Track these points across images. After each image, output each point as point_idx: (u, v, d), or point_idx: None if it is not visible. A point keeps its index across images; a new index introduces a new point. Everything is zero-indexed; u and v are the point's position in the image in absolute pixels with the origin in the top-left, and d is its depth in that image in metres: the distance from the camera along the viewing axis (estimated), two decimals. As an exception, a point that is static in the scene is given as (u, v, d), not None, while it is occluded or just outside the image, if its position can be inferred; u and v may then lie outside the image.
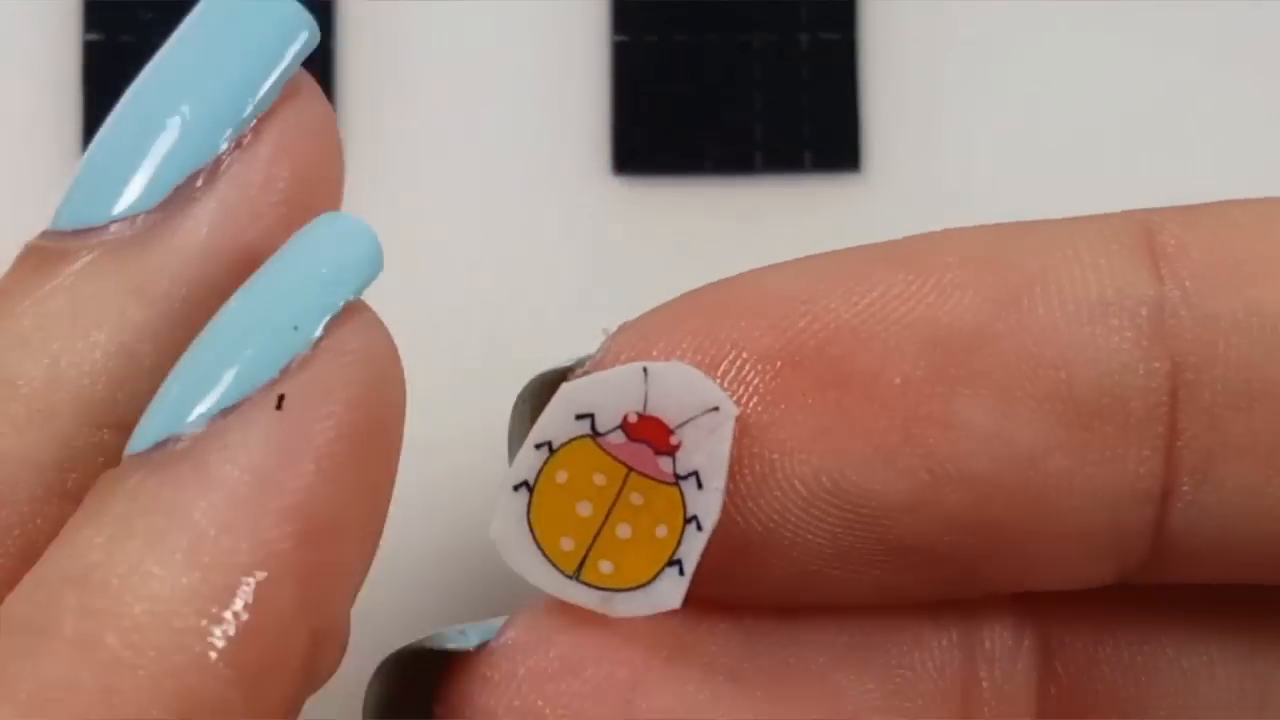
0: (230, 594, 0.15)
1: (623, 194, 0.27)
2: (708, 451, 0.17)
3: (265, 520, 0.16)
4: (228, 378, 0.16)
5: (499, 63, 0.27)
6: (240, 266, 0.17)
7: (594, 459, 0.18)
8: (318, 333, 0.16)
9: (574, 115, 0.27)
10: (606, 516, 0.18)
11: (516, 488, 0.18)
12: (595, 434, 0.18)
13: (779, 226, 0.27)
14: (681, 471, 0.18)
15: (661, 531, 0.18)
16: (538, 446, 0.18)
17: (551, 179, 0.27)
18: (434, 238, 0.26)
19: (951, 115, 0.27)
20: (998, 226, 0.19)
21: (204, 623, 0.15)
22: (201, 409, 0.16)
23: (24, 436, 0.17)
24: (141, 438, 0.16)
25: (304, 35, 0.18)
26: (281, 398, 0.16)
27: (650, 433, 0.18)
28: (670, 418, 0.18)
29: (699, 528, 0.18)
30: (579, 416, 0.18)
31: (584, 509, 0.18)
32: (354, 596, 0.17)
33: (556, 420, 0.18)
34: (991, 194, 0.27)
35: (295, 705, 0.17)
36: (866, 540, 0.18)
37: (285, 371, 0.16)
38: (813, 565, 0.18)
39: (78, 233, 0.17)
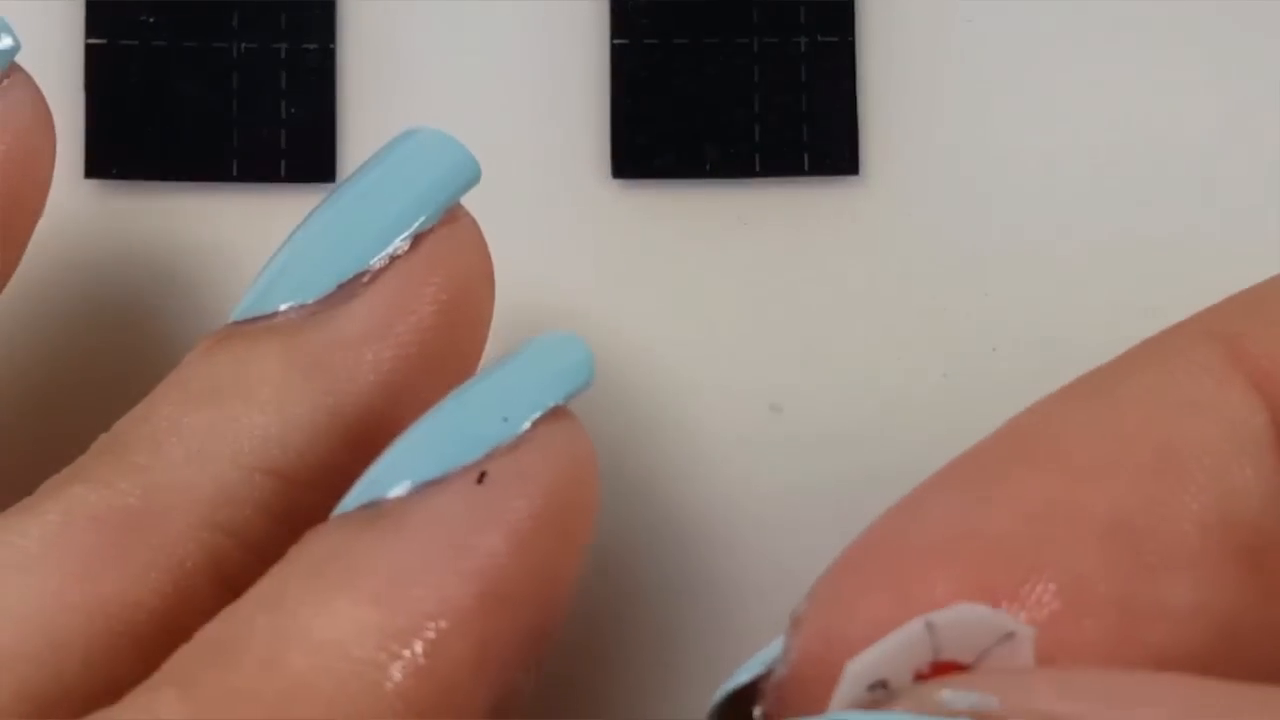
0: (411, 635, 0.17)
1: (622, 197, 0.27)
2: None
3: (452, 577, 0.17)
4: (436, 454, 0.18)
5: (498, 65, 0.27)
6: (394, 356, 0.20)
7: None
8: (525, 426, 0.18)
9: (573, 118, 0.27)
10: None
11: None
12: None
13: (778, 230, 0.27)
14: None
15: None
16: None
17: (550, 182, 0.27)
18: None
19: (950, 119, 0.27)
20: (1091, 390, 0.18)
21: (383, 656, 0.17)
22: (408, 479, 0.18)
23: (180, 473, 0.19)
24: (349, 500, 0.18)
25: (470, 176, 0.21)
26: (483, 474, 0.18)
27: (948, 675, 0.17)
28: (965, 657, 0.17)
29: None
30: (871, 687, 0.17)
31: None
32: (531, 673, 0.18)
33: (849, 697, 0.17)
34: (989, 198, 0.27)
35: None
36: None
37: (490, 455, 0.18)
38: None
39: (251, 320, 0.20)
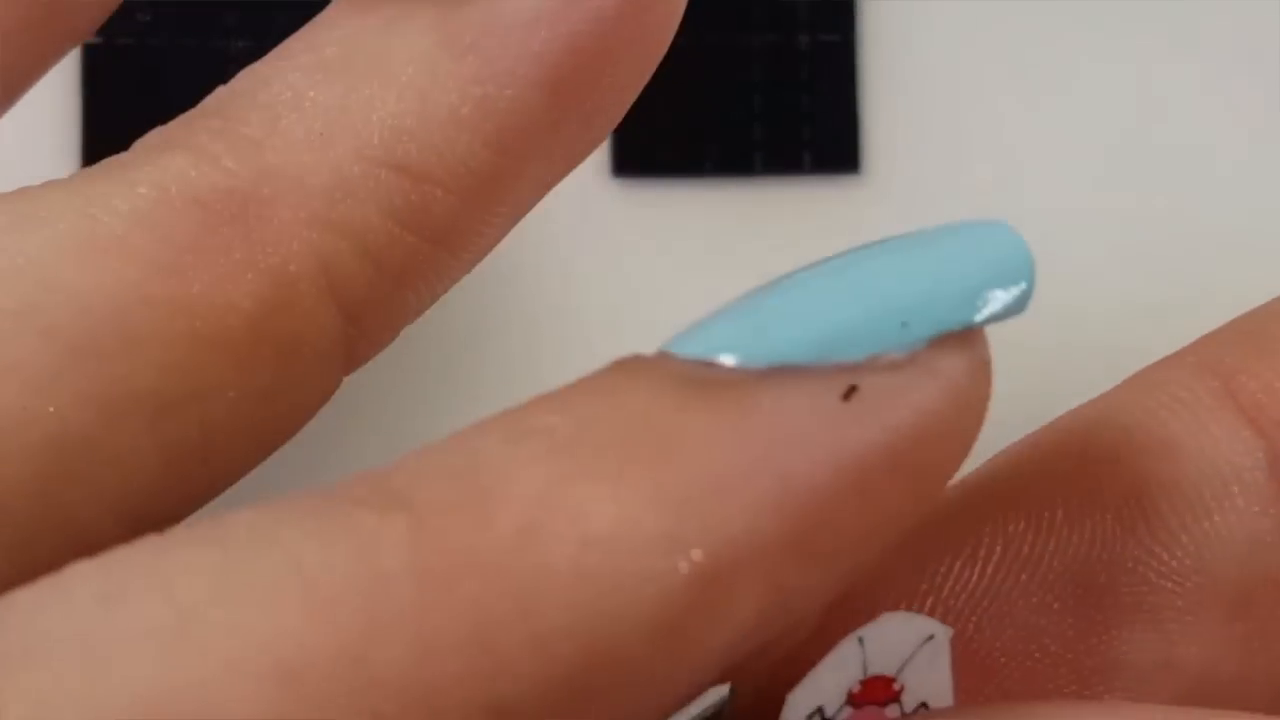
0: (702, 578, 0.13)
1: (622, 196, 0.27)
2: (931, 683, 0.17)
3: (765, 507, 0.14)
4: (801, 329, 0.14)
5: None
6: (563, 51, 0.17)
7: None
8: (924, 341, 0.14)
9: (573, 117, 0.27)
10: None
11: None
12: None
13: (778, 228, 0.27)
14: (908, 708, 0.17)
15: None
16: None
17: (551, 181, 0.27)
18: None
19: (951, 117, 0.27)
20: (1075, 429, 0.17)
21: (660, 566, 0.13)
22: (762, 352, 0.14)
23: (296, 157, 0.16)
24: (686, 342, 0.15)
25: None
26: (853, 389, 0.14)
27: (874, 692, 0.17)
28: (890, 667, 0.16)
29: None
30: (809, 716, 0.16)
31: None
32: (806, 617, 0.16)
33: None
34: (990, 196, 0.27)
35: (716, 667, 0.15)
36: None
37: (869, 363, 0.14)
38: None
39: None
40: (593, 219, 0.27)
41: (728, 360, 0.14)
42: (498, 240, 0.18)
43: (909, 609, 0.17)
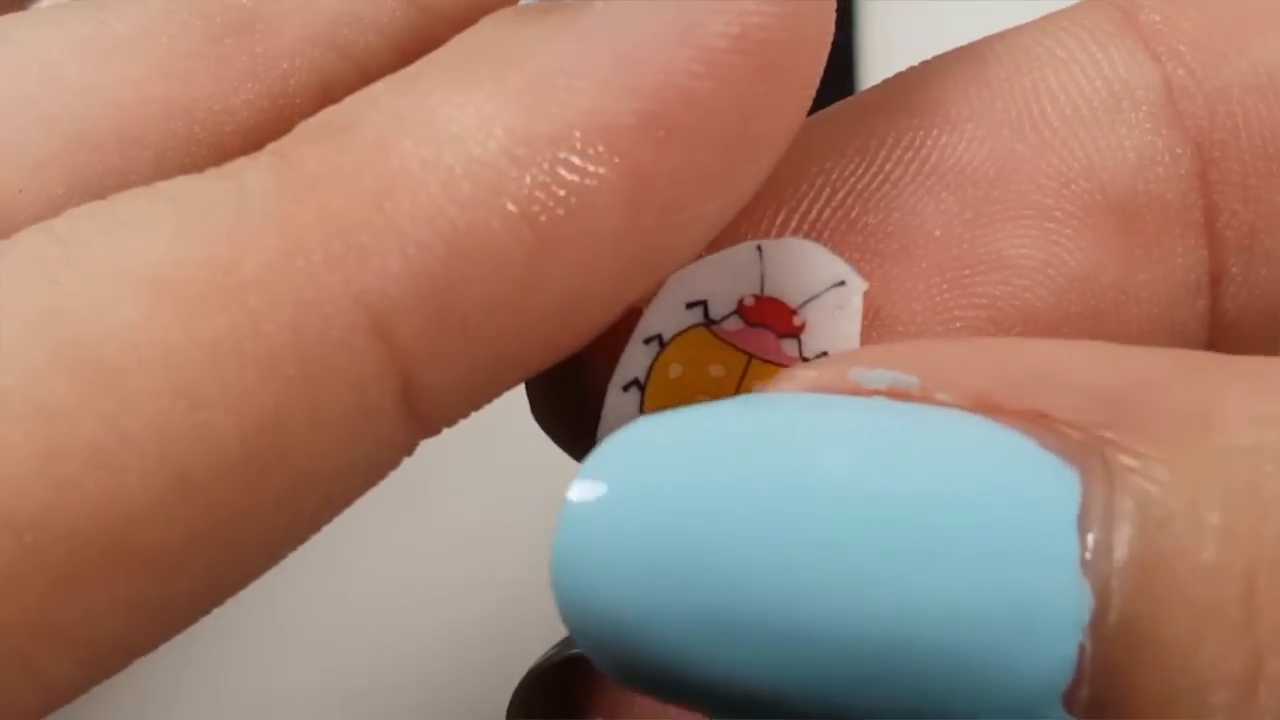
0: (547, 145, 0.14)
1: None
2: (836, 330, 0.16)
3: (612, 88, 0.14)
4: None
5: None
6: None
7: (710, 349, 0.16)
8: None
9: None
10: None
11: (626, 388, 0.16)
12: (709, 322, 0.16)
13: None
14: (808, 354, 0.16)
15: None
16: (646, 341, 0.16)
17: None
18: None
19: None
20: (977, 48, 0.18)
21: (506, 162, 0.14)
22: None
23: None
24: None
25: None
26: None
27: (770, 315, 0.16)
28: (791, 297, 0.16)
29: None
30: (690, 305, 0.16)
31: None
32: (695, 243, 0.15)
33: (665, 311, 0.16)
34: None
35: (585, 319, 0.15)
36: None
37: None
38: None
39: None
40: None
41: None
42: None
43: (797, 194, 0.17)
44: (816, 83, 0.15)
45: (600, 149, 0.14)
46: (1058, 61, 0.17)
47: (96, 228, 0.14)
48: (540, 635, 0.26)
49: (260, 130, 0.16)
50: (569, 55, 0.14)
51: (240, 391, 0.13)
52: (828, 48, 0.15)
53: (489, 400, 0.15)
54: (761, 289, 0.16)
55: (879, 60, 0.27)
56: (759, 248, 0.16)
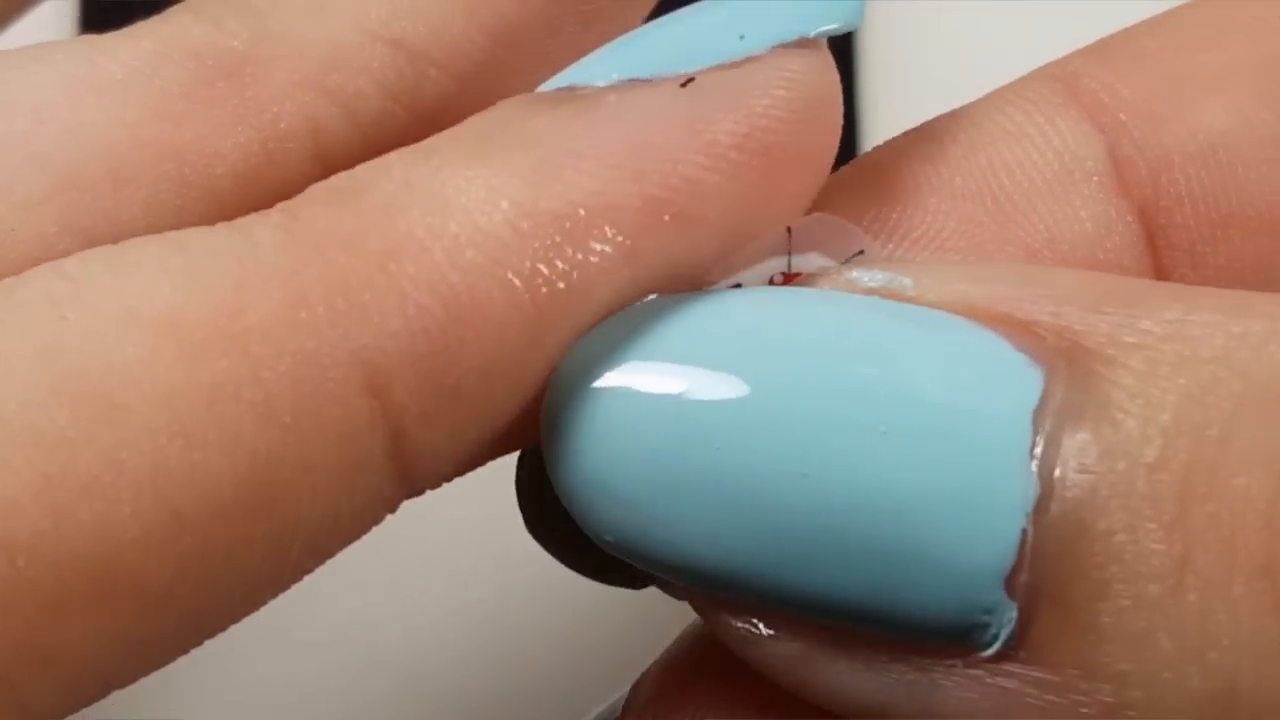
0: (553, 223, 0.15)
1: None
2: None
3: (621, 171, 0.15)
4: (656, 55, 0.16)
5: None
6: None
7: None
8: (762, 49, 0.16)
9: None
10: None
11: None
12: None
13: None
14: None
15: None
16: None
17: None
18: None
19: (950, 116, 0.27)
20: (930, 128, 0.18)
21: (510, 235, 0.15)
22: (614, 73, 0.16)
23: (295, 25, 0.17)
24: (550, 83, 0.16)
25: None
26: (691, 79, 0.15)
27: None
28: (816, 269, 0.16)
29: None
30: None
31: None
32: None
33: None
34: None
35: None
36: None
37: (712, 68, 0.15)
38: None
39: None
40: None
41: (579, 84, 0.16)
42: None
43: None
44: (823, 179, 0.16)
45: (605, 229, 0.15)
46: (1009, 136, 0.18)
47: (107, 268, 0.14)
48: (540, 634, 0.26)
49: (251, 174, 0.17)
50: (580, 140, 0.15)
51: (236, 435, 0.14)
52: (834, 151, 0.16)
53: (479, 464, 0.16)
54: (790, 266, 0.16)
55: (879, 60, 0.27)
56: (789, 229, 0.16)
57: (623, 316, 0.15)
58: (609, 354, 0.15)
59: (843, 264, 0.16)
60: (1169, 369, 0.14)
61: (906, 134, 0.18)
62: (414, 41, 0.17)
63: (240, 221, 0.15)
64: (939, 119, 0.18)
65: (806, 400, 0.14)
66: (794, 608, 0.14)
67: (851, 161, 0.18)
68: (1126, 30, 0.18)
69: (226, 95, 0.17)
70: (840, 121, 0.16)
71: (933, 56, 0.27)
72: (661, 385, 0.15)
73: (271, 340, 0.14)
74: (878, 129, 0.27)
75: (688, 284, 0.16)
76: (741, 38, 0.16)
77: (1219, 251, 0.17)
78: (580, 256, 0.15)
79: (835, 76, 0.16)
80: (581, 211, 0.15)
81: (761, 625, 0.15)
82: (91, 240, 0.16)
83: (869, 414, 0.14)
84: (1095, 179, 0.17)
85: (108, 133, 0.16)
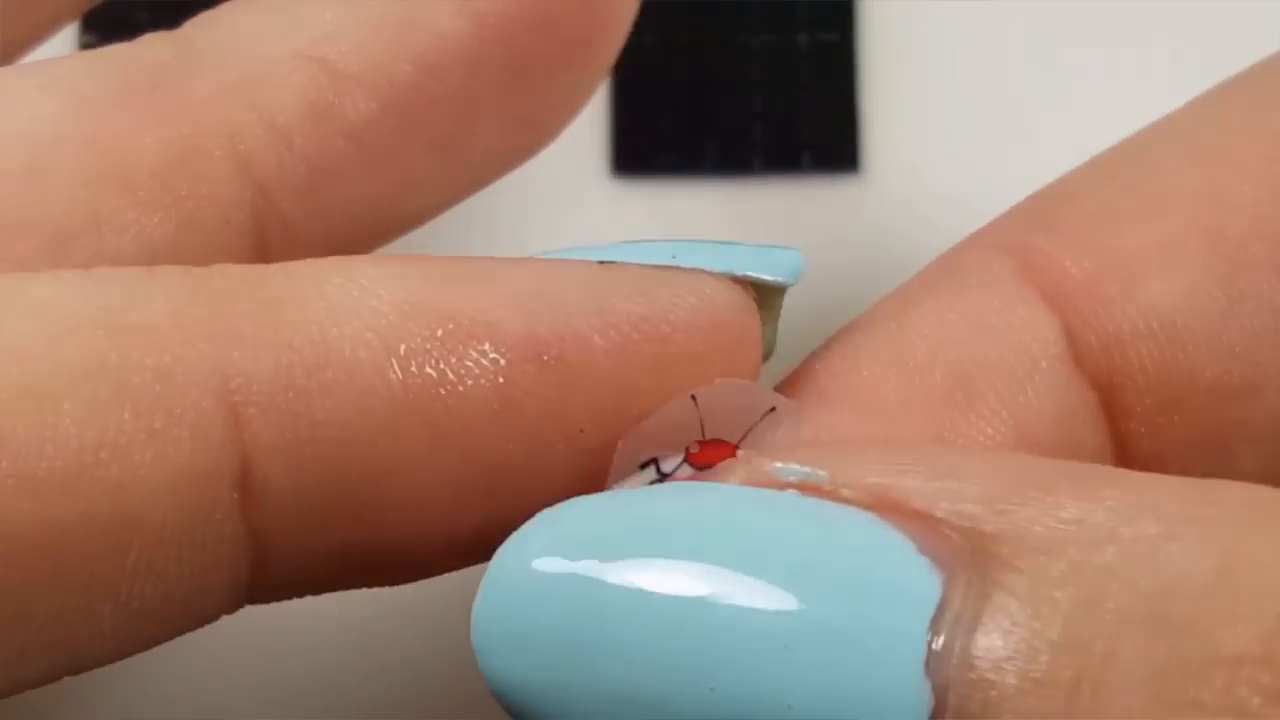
0: (438, 320, 0.16)
1: (621, 195, 0.27)
2: None
3: (515, 303, 0.16)
4: (589, 255, 0.17)
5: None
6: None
7: None
8: (685, 266, 0.17)
9: (573, 116, 0.27)
10: None
11: None
12: (662, 476, 0.17)
13: (778, 227, 0.27)
14: None
15: None
16: None
17: (550, 180, 0.27)
18: (433, 239, 0.26)
19: (950, 116, 0.27)
20: (885, 317, 0.18)
21: (396, 316, 0.16)
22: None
23: (223, 44, 0.19)
24: None
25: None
26: (611, 264, 0.17)
27: (716, 455, 0.17)
28: (731, 434, 0.17)
29: None
30: (643, 465, 0.17)
31: None
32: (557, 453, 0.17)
33: (622, 475, 0.17)
34: (989, 195, 0.27)
35: None
36: None
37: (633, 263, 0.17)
38: None
39: None
40: (592, 218, 0.27)
41: None
42: (446, 192, 0.21)
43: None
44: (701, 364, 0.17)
45: (485, 344, 0.16)
46: (977, 329, 0.18)
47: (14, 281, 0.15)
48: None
49: (169, 171, 0.18)
50: (492, 275, 0.16)
51: (90, 407, 0.15)
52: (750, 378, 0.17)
53: (329, 565, 0.16)
54: (703, 433, 0.17)
55: (879, 60, 0.27)
56: (693, 397, 0.17)
57: (562, 507, 0.15)
58: (553, 538, 0.15)
59: (761, 453, 0.16)
60: (1062, 577, 0.14)
61: (867, 335, 0.18)
62: (339, 62, 0.18)
63: (153, 268, 0.16)
64: (904, 315, 0.18)
65: (714, 613, 0.14)
66: None
67: (814, 354, 0.18)
68: (1067, 189, 0.19)
69: (150, 100, 0.18)
70: (756, 359, 0.17)
71: (933, 56, 0.27)
72: (577, 583, 0.15)
73: (144, 338, 0.15)
74: (878, 128, 0.27)
75: (564, 441, 0.16)
76: (674, 257, 0.17)
77: (1175, 423, 0.18)
78: (454, 359, 0.16)
79: (753, 319, 0.17)
80: (467, 321, 0.16)
81: None
82: (13, 225, 0.17)
83: (775, 629, 0.14)
84: (1057, 362, 0.18)
85: (30, 127, 0.17)
